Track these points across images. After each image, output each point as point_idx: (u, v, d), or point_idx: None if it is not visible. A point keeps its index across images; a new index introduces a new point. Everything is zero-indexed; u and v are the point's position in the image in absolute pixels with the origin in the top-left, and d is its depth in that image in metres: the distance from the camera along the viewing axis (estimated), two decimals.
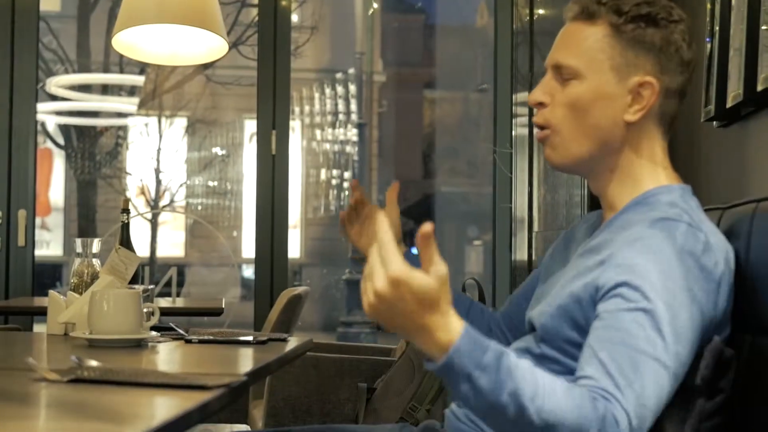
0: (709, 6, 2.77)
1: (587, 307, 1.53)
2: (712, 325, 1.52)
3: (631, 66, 1.65)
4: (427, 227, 1.27)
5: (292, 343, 2.22)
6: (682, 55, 1.68)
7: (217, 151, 13.30)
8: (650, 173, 1.68)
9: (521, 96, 4.69)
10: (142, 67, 12.00)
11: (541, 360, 1.62)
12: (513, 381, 1.31)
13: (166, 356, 2.01)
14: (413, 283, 1.26)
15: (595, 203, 3.27)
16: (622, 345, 1.42)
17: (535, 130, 1.76)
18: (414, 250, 1.63)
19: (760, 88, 2.27)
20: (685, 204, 1.61)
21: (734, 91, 2.46)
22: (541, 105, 1.72)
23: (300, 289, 3.90)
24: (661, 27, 1.66)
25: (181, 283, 4.28)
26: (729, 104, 2.50)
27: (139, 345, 2.06)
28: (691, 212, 1.58)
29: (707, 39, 2.79)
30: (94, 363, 1.57)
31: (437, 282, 1.28)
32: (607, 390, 1.38)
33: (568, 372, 1.52)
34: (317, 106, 13.71)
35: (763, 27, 2.31)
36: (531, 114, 4.40)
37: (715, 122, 2.69)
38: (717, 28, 2.66)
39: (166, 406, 1.37)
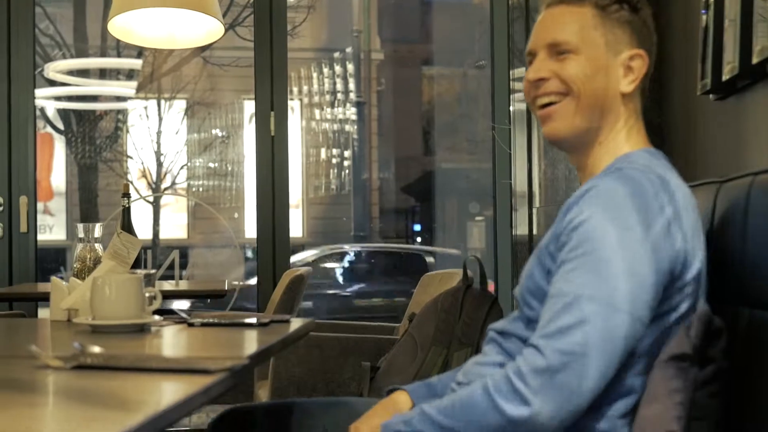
0: None
1: (555, 257, 1.64)
2: (676, 263, 1.57)
3: (620, 42, 1.77)
4: None
5: (295, 324, 2.23)
6: (653, 36, 1.83)
7: (217, 132, 13.29)
8: (628, 139, 1.78)
9: (518, 71, 4.68)
10: (139, 51, 11.97)
11: (529, 323, 1.70)
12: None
13: (169, 340, 2.02)
14: None
15: None
16: (556, 296, 1.55)
17: (541, 110, 1.82)
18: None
19: (755, 60, 2.27)
20: (646, 159, 1.70)
21: (730, 64, 2.46)
22: (542, 80, 1.79)
23: (302, 270, 3.91)
24: (638, 10, 1.80)
25: (184, 265, 4.29)
26: (725, 77, 2.49)
27: (142, 330, 2.07)
28: (654, 167, 1.66)
29: (702, 11, 2.79)
30: (96, 349, 1.58)
31: None
32: (532, 342, 1.54)
33: None
34: (316, 86, 13.68)
35: None
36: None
37: (711, 95, 2.69)
38: (711, 1, 2.66)
39: (169, 391, 1.38)
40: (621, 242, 1.53)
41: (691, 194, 1.66)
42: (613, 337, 1.50)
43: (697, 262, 1.61)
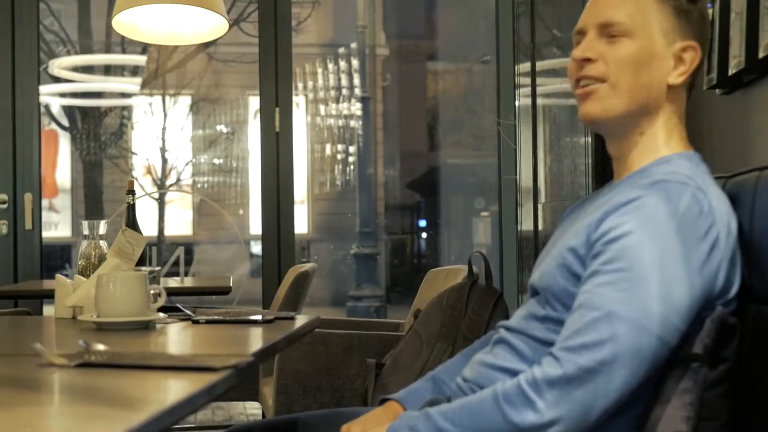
0: None
1: (585, 263, 1.58)
2: (713, 291, 1.53)
3: (675, 31, 1.71)
4: None
5: (300, 321, 2.23)
6: (707, 30, 1.76)
7: (222, 128, 13.29)
8: (668, 140, 1.72)
9: (524, 66, 4.67)
10: (144, 47, 11.97)
11: (545, 322, 1.64)
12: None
13: (174, 338, 2.02)
14: None
15: (599, 172, 3.27)
16: (587, 308, 1.50)
17: (578, 90, 1.75)
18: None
19: (762, 54, 2.26)
20: (689, 170, 1.62)
21: (736, 58, 2.44)
22: (588, 61, 1.73)
23: (307, 266, 3.91)
24: (697, 2, 1.73)
25: (189, 262, 4.29)
26: (731, 72, 2.48)
27: (146, 327, 2.07)
28: (695, 177, 1.59)
29: (708, 5, 2.78)
30: (101, 347, 1.58)
31: None
32: (553, 354, 1.49)
33: None
34: (321, 82, 13.67)
35: None
36: (534, 84, 4.39)
37: (717, 90, 2.68)
38: None
39: (173, 389, 1.38)
40: (659, 264, 1.49)
41: (730, 207, 1.60)
42: (639, 359, 1.46)
43: (735, 287, 1.57)
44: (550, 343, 1.56)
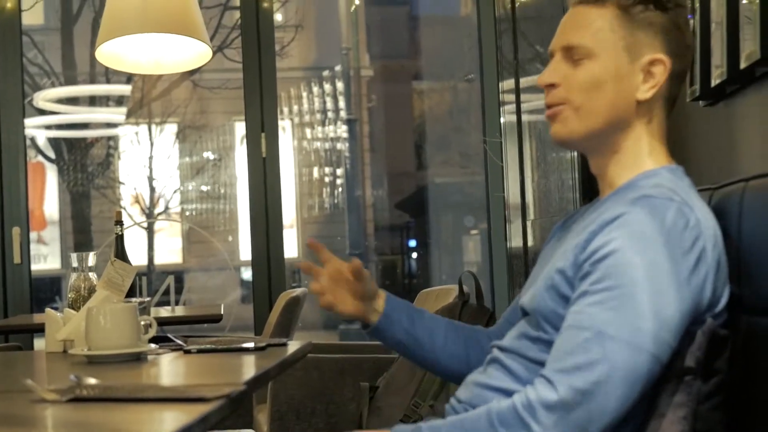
0: None
1: (573, 284, 1.58)
2: (701, 304, 1.53)
3: (642, 45, 1.68)
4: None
5: (292, 347, 2.22)
6: (685, 38, 1.73)
7: (209, 155, 13.28)
8: (650, 154, 1.71)
9: (508, 84, 4.68)
10: (128, 77, 11.97)
11: (537, 342, 1.64)
12: None
13: (166, 368, 2.01)
14: None
15: (587, 187, 3.27)
16: (577, 328, 1.49)
17: (547, 111, 1.76)
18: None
19: (743, 65, 2.26)
20: (672, 184, 1.62)
21: (718, 69, 2.45)
22: (552, 86, 1.73)
23: (298, 291, 3.90)
24: (668, 10, 1.70)
25: (179, 290, 4.28)
26: (713, 83, 2.49)
27: (138, 359, 2.06)
28: (679, 191, 1.59)
29: (689, 16, 2.79)
30: (92, 381, 1.57)
31: None
32: (546, 376, 1.49)
33: None
34: (306, 105, 13.68)
35: (743, 0, 2.30)
36: (518, 101, 4.40)
37: (700, 101, 2.69)
38: (697, 4, 2.66)
39: (166, 421, 1.37)
40: (648, 280, 1.48)
41: (715, 220, 1.60)
42: (632, 378, 1.46)
43: (723, 299, 1.56)
44: (543, 364, 1.56)
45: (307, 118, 13.71)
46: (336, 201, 13.64)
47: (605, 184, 1.75)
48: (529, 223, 4.33)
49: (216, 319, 3.87)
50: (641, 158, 1.70)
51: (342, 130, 13.51)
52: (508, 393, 1.63)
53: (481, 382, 1.74)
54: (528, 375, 1.64)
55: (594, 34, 1.69)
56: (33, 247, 4.84)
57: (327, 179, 13.70)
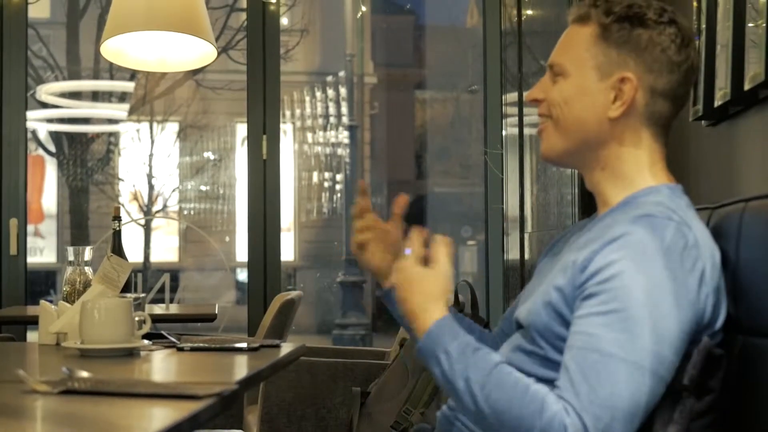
0: (695, 4, 2.77)
1: (571, 303, 1.57)
2: (701, 323, 1.53)
3: (614, 64, 1.69)
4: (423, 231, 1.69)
5: (285, 349, 2.22)
6: (670, 55, 1.69)
7: (209, 155, 13.29)
8: (640, 173, 1.70)
9: (511, 96, 4.69)
10: (132, 73, 11.98)
11: (532, 356, 1.63)
12: (468, 369, 1.53)
13: (158, 365, 2.01)
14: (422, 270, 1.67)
15: (586, 203, 3.27)
16: (587, 350, 1.49)
17: (538, 128, 1.82)
18: (408, 251, 1.68)
19: (747, 86, 2.27)
20: (672, 203, 1.62)
21: (722, 90, 2.46)
22: (536, 102, 1.78)
23: (293, 294, 3.90)
24: (649, 27, 1.68)
25: (175, 289, 4.28)
26: (717, 103, 2.50)
27: (131, 354, 2.06)
28: (678, 210, 1.59)
29: (696, 37, 2.79)
30: (84, 374, 1.57)
31: (437, 276, 1.67)
32: (564, 397, 1.48)
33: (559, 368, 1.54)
34: (308, 109, 13.70)
35: (750, 24, 2.31)
36: (521, 113, 4.40)
37: (703, 121, 2.69)
38: (704, 26, 2.67)
39: (157, 417, 1.37)
40: (651, 301, 1.49)
41: (713, 240, 1.60)
42: (639, 399, 1.47)
43: (720, 319, 1.57)
44: (538, 377, 1.56)
45: (308, 122, 13.73)
46: (334, 206, 13.65)
47: (601, 201, 1.76)
48: (526, 236, 4.33)
49: (210, 318, 3.86)
50: (635, 176, 1.70)
51: (343, 136, 13.52)
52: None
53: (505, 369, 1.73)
54: None
55: (568, 53, 1.74)
56: (30, 239, 4.84)
57: (326, 184, 13.71)
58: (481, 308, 2.77)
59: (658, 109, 1.71)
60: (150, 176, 12.88)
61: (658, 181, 1.70)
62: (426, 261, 1.71)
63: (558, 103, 1.72)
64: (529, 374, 1.61)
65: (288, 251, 13.10)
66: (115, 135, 12.94)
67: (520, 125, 4.42)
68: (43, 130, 12.17)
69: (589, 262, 1.56)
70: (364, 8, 13.50)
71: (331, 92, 13.68)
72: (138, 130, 12.91)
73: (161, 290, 4.20)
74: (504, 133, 4.88)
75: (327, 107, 13.67)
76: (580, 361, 1.50)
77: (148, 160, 12.87)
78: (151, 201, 12.94)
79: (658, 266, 1.50)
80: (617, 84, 1.68)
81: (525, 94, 1.84)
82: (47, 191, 13.21)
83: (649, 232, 1.53)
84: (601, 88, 1.69)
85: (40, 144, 12.32)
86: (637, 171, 1.70)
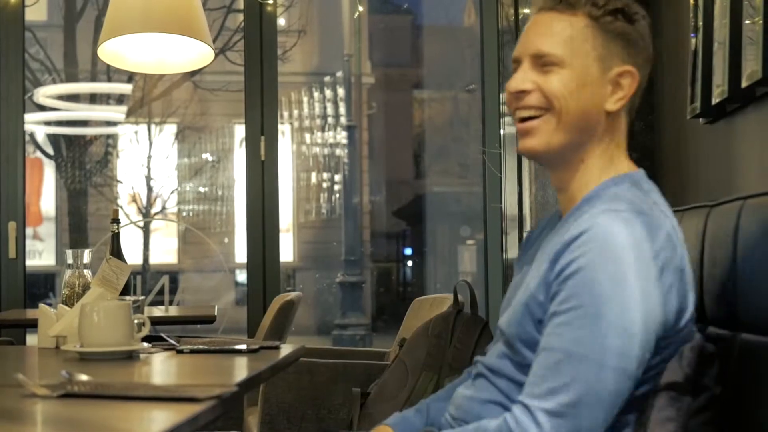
0: (692, 1, 2.77)
1: (547, 308, 1.58)
2: (667, 313, 1.53)
3: (612, 56, 1.67)
4: None
5: (285, 350, 2.22)
6: (649, 50, 1.72)
7: (208, 157, 13.29)
8: (611, 163, 1.70)
9: None
10: (129, 75, 11.98)
11: (517, 365, 1.65)
12: None
13: (158, 368, 2.01)
14: None
15: None
16: (549, 350, 1.51)
17: (520, 124, 1.72)
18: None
19: (744, 84, 2.27)
20: (632, 193, 1.61)
21: (719, 87, 2.46)
22: (523, 93, 1.70)
23: (292, 295, 3.90)
24: (634, 22, 1.69)
25: (174, 290, 4.27)
26: (714, 101, 2.50)
27: (130, 357, 2.06)
28: (636, 200, 1.59)
29: (692, 35, 2.80)
30: (84, 377, 1.57)
31: None
32: (523, 401, 1.51)
33: None
34: (306, 110, 13.70)
35: (747, 21, 2.31)
36: None
37: (701, 119, 2.70)
38: (701, 23, 2.67)
39: (156, 420, 1.37)
40: (614, 295, 1.48)
41: (678, 227, 1.60)
42: (603, 396, 1.47)
43: (690, 306, 1.57)
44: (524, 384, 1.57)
45: (306, 123, 13.73)
46: (333, 206, 13.65)
47: (566, 198, 1.73)
48: (525, 235, 4.33)
49: (210, 320, 3.86)
50: (602, 169, 1.69)
51: (341, 136, 13.52)
52: (496, 403, 1.66)
53: (469, 395, 1.75)
54: (514, 390, 1.65)
55: (566, 42, 1.67)
56: (28, 242, 4.84)
57: (325, 185, 13.71)
58: (480, 308, 2.77)
59: (637, 102, 1.73)
60: (148, 178, 12.88)
61: (619, 172, 1.69)
62: None
63: (562, 95, 1.66)
64: (518, 382, 1.62)
65: (287, 252, 13.10)
66: (113, 137, 12.94)
67: None
68: (41, 133, 12.17)
69: (555, 263, 1.56)
70: (361, 8, 13.48)
71: (328, 92, 13.68)
72: (136, 132, 12.91)
73: (160, 292, 4.20)
74: (502, 132, 4.87)
75: (325, 108, 13.68)
76: (541, 361, 1.52)
77: (146, 162, 12.87)
78: (150, 203, 12.94)
79: (618, 261, 1.50)
80: (615, 78, 1.67)
81: (508, 85, 1.75)
82: (46, 194, 13.21)
83: (609, 228, 1.52)
84: (602, 81, 1.67)
85: (38, 147, 12.32)
86: (609, 162, 1.69)
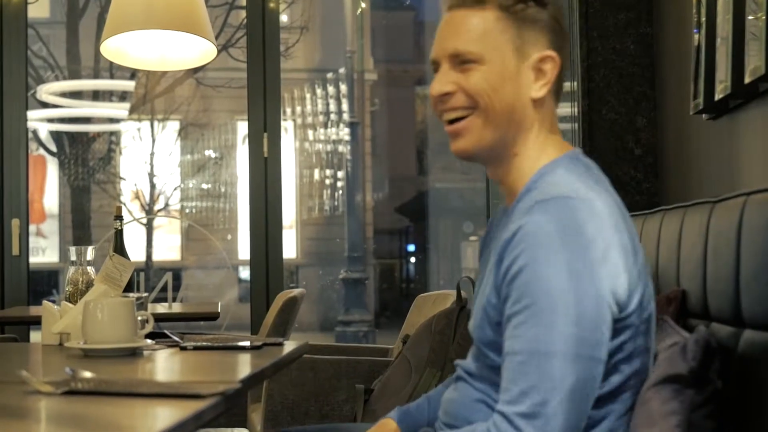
0: None
1: (501, 309, 1.58)
2: (621, 290, 1.52)
3: (530, 44, 1.66)
4: None
5: (288, 347, 2.22)
6: (565, 30, 1.71)
7: (211, 153, 13.29)
8: (544, 151, 1.68)
9: None
10: (132, 72, 11.98)
11: (489, 368, 1.66)
12: None
13: (162, 364, 2.01)
14: None
15: None
16: (512, 354, 1.51)
17: (448, 126, 1.70)
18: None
19: (747, 79, 2.27)
20: (565, 178, 1.61)
21: (722, 83, 2.46)
22: (447, 95, 1.68)
23: (295, 292, 3.90)
24: (546, 5, 1.68)
25: (177, 287, 4.28)
26: (717, 97, 2.49)
27: (134, 354, 2.06)
28: (570, 184, 1.58)
29: (694, 30, 2.79)
30: (88, 374, 1.57)
31: None
32: (498, 409, 1.50)
33: None
34: (309, 107, 13.69)
35: (750, 16, 2.31)
36: None
37: (704, 115, 2.69)
38: (704, 19, 2.66)
39: (160, 416, 1.37)
40: (560, 286, 1.48)
41: (615, 203, 1.59)
42: (573, 386, 1.47)
43: (641, 285, 1.56)
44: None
45: (309, 119, 13.72)
46: (336, 203, 13.64)
47: (507, 191, 1.73)
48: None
49: (213, 317, 3.86)
50: (538, 158, 1.68)
51: (344, 133, 13.52)
52: (480, 401, 1.68)
53: (454, 399, 1.76)
54: (492, 390, 1.66)
55: (481, 38, 1.65)
56: (32, 239, 4.84)
57: (328, 181, 13.71)
58: None
59: (560, 84, 1.71)
60: (151, 175, 12.89)
61: (552, 157, 1.68)
62: None
63: (485, 92, 1.64)
64: (492, 382, 1.63)
65: (290, 249, 13.11)
66: (116, 134, 12.94)
67: None
68: (44, 130, 12.17)
69: (499, 264, 1.56)
70: (363, 5, 13.49)
71: (331, 89, 13.68)
72: (139, 129, 12.91)
73: (164, 289, 4.20)
74: None
75: (327, 104, 13.67)
76: (508, 366, 1.51)
77: (149, 158, 12.87)
78: (153, 200, 12.94)
79: (560, 250, 1.49)
80: (537, 64, 1.66)
81: (430, 89, 1.73)
82: (49, 191, 13.21)
83: (544, 219, 1.52)
84: (522, 70, 1.65)
85: (41, 144, 12.32)
86: (542, 150, 1.68)
